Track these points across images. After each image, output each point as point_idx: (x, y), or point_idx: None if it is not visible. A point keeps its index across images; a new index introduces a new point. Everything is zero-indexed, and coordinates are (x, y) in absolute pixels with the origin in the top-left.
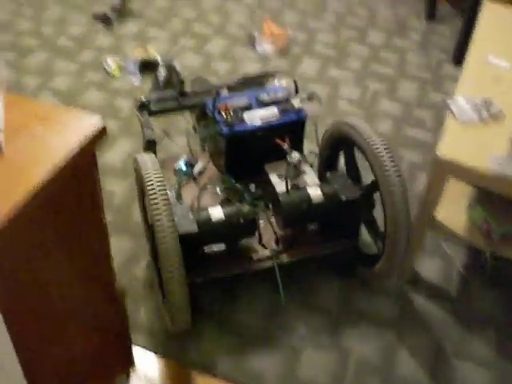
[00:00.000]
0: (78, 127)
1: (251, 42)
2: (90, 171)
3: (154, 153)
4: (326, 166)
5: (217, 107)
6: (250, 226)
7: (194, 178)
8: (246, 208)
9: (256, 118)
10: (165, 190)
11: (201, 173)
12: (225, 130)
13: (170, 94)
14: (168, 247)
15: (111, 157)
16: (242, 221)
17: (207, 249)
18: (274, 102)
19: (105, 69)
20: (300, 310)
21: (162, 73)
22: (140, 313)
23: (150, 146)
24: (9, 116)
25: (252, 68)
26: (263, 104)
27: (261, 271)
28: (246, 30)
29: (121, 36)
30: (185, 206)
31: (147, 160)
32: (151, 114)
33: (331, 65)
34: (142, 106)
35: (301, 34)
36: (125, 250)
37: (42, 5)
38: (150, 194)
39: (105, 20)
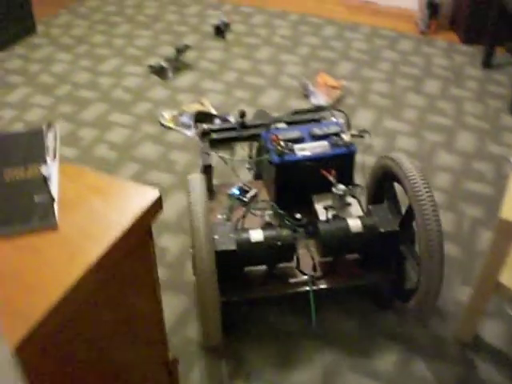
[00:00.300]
0: (135, 201)
1: (305, 93)
2: (145, 244)
3: (210, 177)
4: (372, 200)
5: (269, 138)
6: (289, 251)
7: (246, 204)
8: (285, 232)
9: (306, 149)
10: (205, 209)
11: (253, 199)
12: (275, 159)
13: (231, 124)
14: (204, 264)
15: (165, 211)
16: (280, 244)
17: (247, 270)
18: (326, 136)
19: (160, 121)
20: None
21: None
22: (192, 375)
23: (207, 170)
24: (64, 187)
25: None
26: (315, 137)
27: (296, 295)
28: (299, 82)
29: (176, 88)
30: (229, 226)
31: (196, 180)
32: (212, 142)
33: (387, 116)
34: (204, 134)
35: (355, 84)
36: (177, 308)
37: (99, 57)
38: (192, 211)
39: (160, 72)
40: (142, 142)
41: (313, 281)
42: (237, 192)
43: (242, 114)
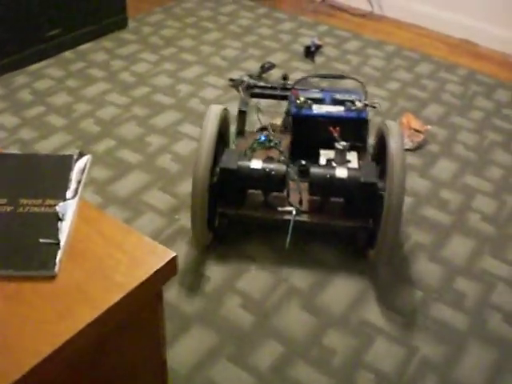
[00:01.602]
0: (146, 261)
1: None
2: (152, 310)
3: (243, 122)
4: (373, 159)
5: (294, 94)
6: (280, 181)
7: (268, 149)
8: (280, 166)
9: (322, 109)
10: (214, 131)
11: (274, 145)
12: (293, 110)
13: (274, 84)
14: (199, 174)
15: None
16: (273, 173)
17: (248, 194)
18: (343, 102)
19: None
20: None
21: None
22: None
23: (241, 115)
24: (76, 230)
25: None
26: (334, 102)
27: (280, 222)
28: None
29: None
30: (237, 153)
31: (216, 108)
32: (253, 94)
33: (469, 170)
34: (248, 87)
35: (441, 130)
36: (205, 344)
37: (184, 62)
38: (203, 129)
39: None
40: None
41: (297, 212)
42: (263, 138)
43: (284, 77)
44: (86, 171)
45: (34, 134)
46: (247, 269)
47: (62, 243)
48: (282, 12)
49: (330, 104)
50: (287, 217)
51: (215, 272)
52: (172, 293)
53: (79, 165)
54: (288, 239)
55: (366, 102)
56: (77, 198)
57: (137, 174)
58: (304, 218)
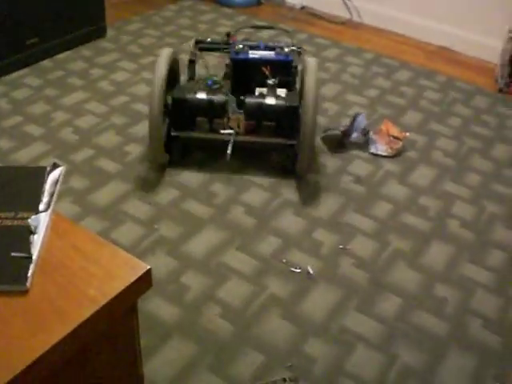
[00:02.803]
0: (120, 274)
1: (365, 139)
2: (126, 323)
3: (193, 70)
4: (299, 92)
5: (233, 40)
6: (221, 108)
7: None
8: (221, 97)
9: (256, 53)
10: (165, 68)
11: (219, 87)
12: (232, 54)
13: (218, 41)
14: (154, 103)
15: (194, 246)
16: (215, 102)
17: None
18: (274, 48)
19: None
20: None
21: None
22: None
23: (190, 63)
24: (49, 244)
25: (362, 168)
26: (267, 48)
27: (222, 142)
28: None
29: None
30: (188, 86)
31: (167, 50)
32: (200, 49)
33: (448, 177)
34: (197, 42)
35: (420, 137)
36: (185, 355)
37: None
38: (156, 66)
39: None
40: (187, 167)
41: (236, 133)
42: (209, 82)
43: (227, 35)
44: (59, 183)
45: (11, 143)
46: (227, 277)
47: (34, 257)
48: (261, 20)
49: (264, 50)
50: (228, 138)
51: (195, 281)
52: (151, 303)
53: (53, 176)
54: (229, 151)
55: (293, 48)
56: (50, 211)
57: (116, 183)
58: (241, 138)
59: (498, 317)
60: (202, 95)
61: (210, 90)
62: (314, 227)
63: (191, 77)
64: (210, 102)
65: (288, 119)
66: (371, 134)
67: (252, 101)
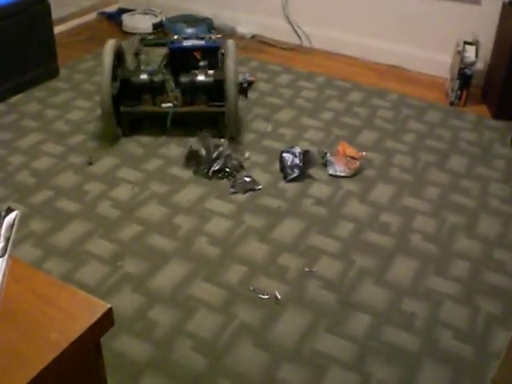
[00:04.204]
0: (82, 316)
1: (323, 162)
2: (93, 362)
3: (139, 61)
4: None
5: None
6: (161, 86)
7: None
8: (159, 76)
9: (189, 43)
10: (111, 55)
11: (162, 73)
12: (170, 45)
13: (163, 40)
14: (104, 85)
15: (161, 279)
16: (156, 81)
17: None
18: (203, 37)
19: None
20: None
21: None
22: None
23: (136, 55)
24: (7, 289)
25: (322, 190)
26: (199, 38)
27: (163, 113)
28: (318, 150)
29: None
30: (134, 70)
31: (112, 41)
32: (144, 44)
33: (407, 192)
34: (141, 40)
35: (377, 155)
36: None
37: None
38: (103, 53)
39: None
40: (148, 202)
41: (174, 106)
42: (149, 68)
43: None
44: (15, 227)
45: None
46: (195, 310)
47: None
48: None
49: (195, 40)
50: (168, 110)
51: (163, 316)
52: (120, 342)
53: (8, 221)
54: (168, 122)
55: (218, 36)
56: (6, 256)
57: (77, 223)
58: (180, 110)
59: (468, 326)
60: (144, 76)
61: (150, 73)
62: (279, 252)
63: (136, 67)
64: (151, 81)
65: (216, 91)
66: (328, 155)
67: (186, 79)
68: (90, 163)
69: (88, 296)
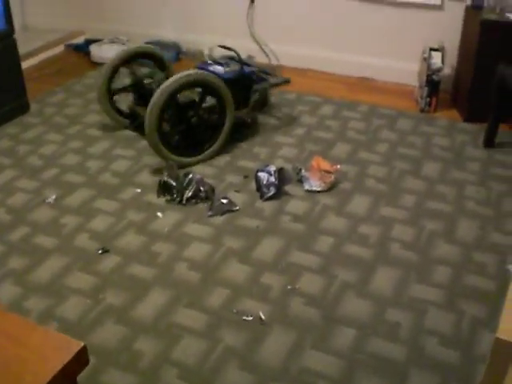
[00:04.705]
0: (55, 356)
1: (298, 178)
2: None
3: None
4: None
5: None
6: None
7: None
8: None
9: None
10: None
11: None
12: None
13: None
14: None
15: (143, 309)
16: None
17: None
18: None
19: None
20: None
21: None
22: None
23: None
24: None
25: (298, 206)
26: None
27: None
28: (292, 166)
29: None
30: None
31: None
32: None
33: (383, 202)
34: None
35: (351, 167)
36: None
37: (90, 138)
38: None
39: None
40: (125, 232)
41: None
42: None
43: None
44: None
45: None
46: (180, 337)
47: None
48: None
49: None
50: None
51: (148, 346)
52: (106, 375)
53: None
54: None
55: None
56: None
57: (55, 257)
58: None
59: (453, 332)
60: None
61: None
62: (261, 272)
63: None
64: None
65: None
66: (303, 171)
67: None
68: None
69: (61, 336)
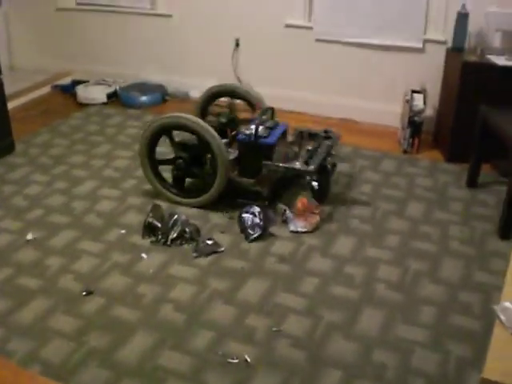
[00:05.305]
0: None
1: (284, 219)
2: None
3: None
4: None
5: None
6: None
7: None
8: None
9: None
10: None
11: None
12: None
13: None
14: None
15: (127, 352)
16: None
17: None
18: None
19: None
20: None
21: None
22: None
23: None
24: None
25: (284, 247)
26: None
27: None
28: (278, 207)
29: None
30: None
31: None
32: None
33: (368, 242)
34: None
35: (336, 207)
36: None
37: (75, 179)
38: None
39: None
40: (110, 273)
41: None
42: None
43: None
44: None
45: None
46: (164, 380)
47: None
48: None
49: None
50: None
51: None
52: None
53: None
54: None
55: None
56: None
57: (39, 299)
58: None
59: (440, 372)
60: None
61: None
62: (246, 313)
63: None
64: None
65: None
66: (288, 212)
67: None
68: None
69: (47, 380)
